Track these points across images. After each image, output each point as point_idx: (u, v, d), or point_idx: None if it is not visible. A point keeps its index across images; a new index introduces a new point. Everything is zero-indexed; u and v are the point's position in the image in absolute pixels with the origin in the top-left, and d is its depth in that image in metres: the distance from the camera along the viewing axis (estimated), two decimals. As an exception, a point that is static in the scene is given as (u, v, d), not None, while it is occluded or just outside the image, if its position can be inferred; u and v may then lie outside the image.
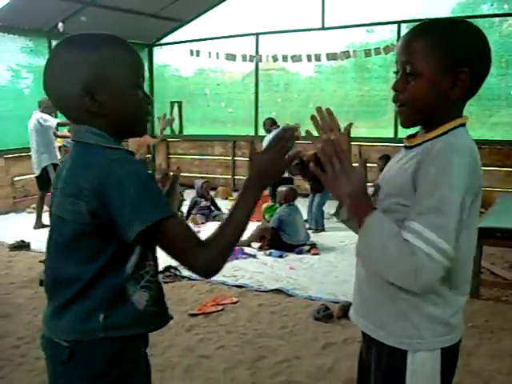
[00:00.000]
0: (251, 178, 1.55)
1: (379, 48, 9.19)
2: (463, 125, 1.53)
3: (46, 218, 7.54)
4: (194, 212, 8.26)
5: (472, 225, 1.49)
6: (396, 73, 1.54)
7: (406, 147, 1.62)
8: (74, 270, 1.47)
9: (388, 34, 9.56)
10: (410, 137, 1.63)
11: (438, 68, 1.46)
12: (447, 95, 1.48)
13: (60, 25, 9.21)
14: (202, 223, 7.97)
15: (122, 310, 1.49)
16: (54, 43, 9.62)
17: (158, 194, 1.43)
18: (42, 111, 7.59)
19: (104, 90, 1.47)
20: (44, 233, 7.87)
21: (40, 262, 5.53)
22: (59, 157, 7.92)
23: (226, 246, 1.48)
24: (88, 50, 1.47)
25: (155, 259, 1.58)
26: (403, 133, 1.69)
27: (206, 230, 7.44)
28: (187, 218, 8.14)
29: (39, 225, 7.72)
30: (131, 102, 1.53)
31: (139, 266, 1.50)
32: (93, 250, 1.45)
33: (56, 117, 7.70)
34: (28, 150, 7.83)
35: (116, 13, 9.56)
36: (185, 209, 8.32)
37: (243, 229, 1.52)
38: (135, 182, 1.38)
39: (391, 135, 9.46)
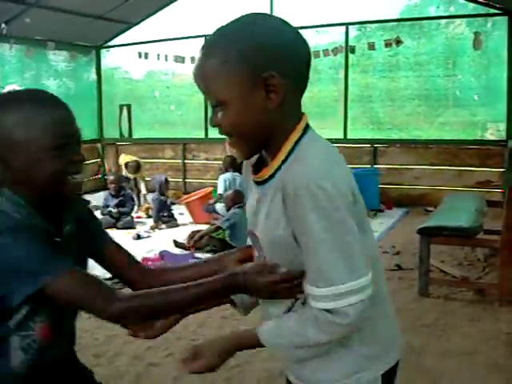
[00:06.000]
0: (237, 279, 1.39)
1: (328, 50, 9.21)
2: (307, 127, 1.32)
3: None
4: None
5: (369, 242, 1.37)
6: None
7: (257, 183, 1.38)
8: None
9: (337, 36, 9.59)
10: (257, 170, 1.38)
11: (239, 86, 1.23)
12: (266, 108, 1.25)
13: (3, 26, 8.94)
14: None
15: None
16: (-3, 45, 9.39)
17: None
18: None
19: (16, 156, 1.37)
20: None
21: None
22: None
23: (150, 308, 1.44)
24: None
25: (60, 331, 1.54)
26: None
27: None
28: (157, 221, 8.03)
29: None
30: (46, 168, 1.40)
31: (24, 325, 1.44)
32: None
33: None
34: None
35: (62, 14, 9.28)
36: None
37: (183, 306, 1.47)
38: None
39: (341, 136, 9.41)
